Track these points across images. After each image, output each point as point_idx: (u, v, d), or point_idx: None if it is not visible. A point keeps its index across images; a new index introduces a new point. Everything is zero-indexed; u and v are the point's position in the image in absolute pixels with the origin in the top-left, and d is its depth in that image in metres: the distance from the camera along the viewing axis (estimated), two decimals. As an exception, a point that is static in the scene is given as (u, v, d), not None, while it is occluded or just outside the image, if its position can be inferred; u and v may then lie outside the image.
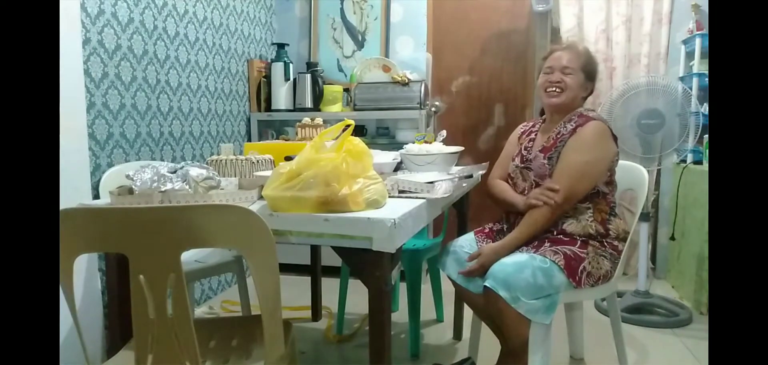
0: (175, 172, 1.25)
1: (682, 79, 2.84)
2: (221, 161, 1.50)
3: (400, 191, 1.33)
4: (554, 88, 1.62)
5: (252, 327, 1.31)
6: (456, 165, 1.85)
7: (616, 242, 1.59)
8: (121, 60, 2.09)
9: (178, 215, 0.95)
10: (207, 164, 1.41)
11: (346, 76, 3.24)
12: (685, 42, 2.84)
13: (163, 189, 1.19)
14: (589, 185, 1.55)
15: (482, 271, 1.51)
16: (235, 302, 2.47)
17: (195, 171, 1.24)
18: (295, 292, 2.64)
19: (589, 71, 1.65)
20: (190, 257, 1.98)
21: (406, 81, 2.91)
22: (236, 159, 1.50)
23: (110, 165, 2.03)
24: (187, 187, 1.21)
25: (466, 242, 1.70)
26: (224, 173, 1.49)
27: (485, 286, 1.45)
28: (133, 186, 1.22)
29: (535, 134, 1.73)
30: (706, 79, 2.68)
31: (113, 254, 1.30)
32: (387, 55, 3.16)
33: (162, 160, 2.34)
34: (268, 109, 3.09)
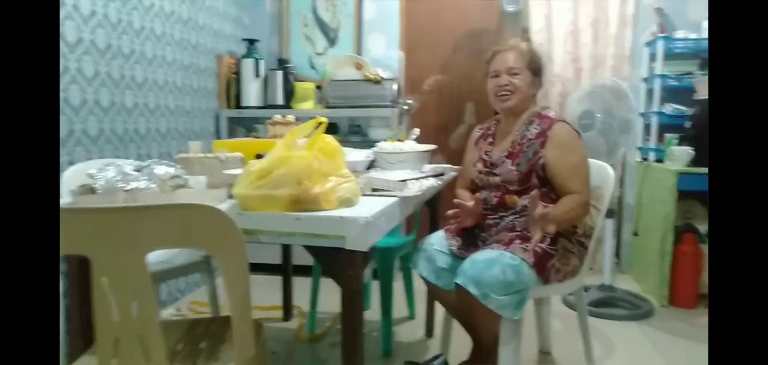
0: (140, 170, 1.22)
1: (645, 80, 2.93)
2: (189, 159, 1.46)
3: (373, 189, 1.33)
4: (504, 93, 1.62)
5: (221, 329, 1.29)
6: (428, 163, 1.86)
7: (583, 239, 1.62)
8: (83, 54, 2.01)
9: (144, 216, 0.92)
10: (174, 162, 1.37)
11: (318, 73, 3.21)
12: (648, 44, 2.93)
13: (127, 188, 1.15)
14: (589, 178, 1.59)
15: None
16: (204, 303, 2.43)
17: (161, 169, 1.21)
18: (266, 292, 2.60)
19: (535, 68, 1.65)
20: (156, 257, 1.92)
21: (379, 79, 2.90)
22: (205, 157, 1.47)
23: (71, 163, 1.95)
24: (154, 186, 1.18)
25: (437, 241, 1.70)
26: (192, 171, 1.45)
27: (456, 283, 1.46)
28: (96, 185, 1.18)
29: (493, 137, 1.73)
30: (669, 80, 2.77)
31: (75, 255, 1.26)
32: (359, 52, 3.15)
33: (127, 158, 2.27)
34: (238, 106, 3.04)
